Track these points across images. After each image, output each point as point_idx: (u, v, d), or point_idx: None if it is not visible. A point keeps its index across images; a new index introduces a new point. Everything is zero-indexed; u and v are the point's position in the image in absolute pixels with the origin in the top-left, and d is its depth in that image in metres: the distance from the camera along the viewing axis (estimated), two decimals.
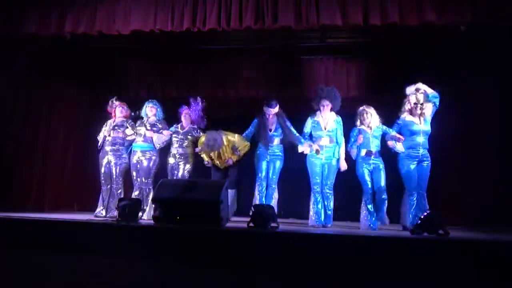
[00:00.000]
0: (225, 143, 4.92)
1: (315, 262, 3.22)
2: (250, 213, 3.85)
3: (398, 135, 4.46)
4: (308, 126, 4.88)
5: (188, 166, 5.17)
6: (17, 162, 5.97)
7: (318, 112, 4.86)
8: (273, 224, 3.76)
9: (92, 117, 7.55)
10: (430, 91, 4.49)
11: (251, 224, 3.75)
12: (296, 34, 5.71)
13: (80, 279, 3.59)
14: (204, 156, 5.10)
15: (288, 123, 5.00)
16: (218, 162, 5.07)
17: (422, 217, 3.63)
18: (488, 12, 4.41)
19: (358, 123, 4.68)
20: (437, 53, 6.05)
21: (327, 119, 4.77)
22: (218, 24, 4.88)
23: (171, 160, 5.22)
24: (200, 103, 5.27)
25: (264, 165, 4.95)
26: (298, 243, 3.40)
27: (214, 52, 6.72)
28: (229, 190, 4.85)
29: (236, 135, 5.09)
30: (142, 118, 5.21)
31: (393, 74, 6.09)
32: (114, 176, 5.16)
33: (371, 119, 4.61)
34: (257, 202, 4.82)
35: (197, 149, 5.13)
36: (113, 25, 5.11)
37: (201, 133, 5.20)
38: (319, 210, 4.75)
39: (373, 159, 4.56)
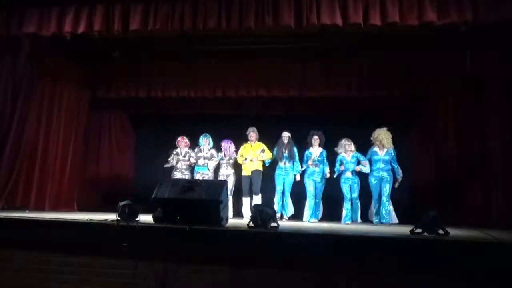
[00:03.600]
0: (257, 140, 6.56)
1: (315, 261, 3.23)
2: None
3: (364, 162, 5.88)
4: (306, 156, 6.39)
5: (232, 180, 6.68)
6: (17, 162, 5.96)
7: (311, 147, 6.34)
8: (273, 224, 3.76)
9: (92, 117, 7.58)
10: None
11: (251, 224, 3.75)
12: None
13: (80, 279, 3.59)
14: (238, 159, 6.57)
15: (295, 149, 6.36)
16: (248, 161, 6.46)
17: (422, 217, 3.62)
18: (489, 11, 4.40)
19: (340, 151, 6.09)
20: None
21: (316, 151, 6.27)
22: (218, 25, 4.88)
23: (220, 177, 6.75)
24: (233, 144, 6.75)
25: (280, 180, 6.35)
26: (298, 242, 3.40)
27: (216, 53, 6.72)
28: (254, 196, 6.26)
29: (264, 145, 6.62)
30: (199, 145, 6.87)
31: None
32: None
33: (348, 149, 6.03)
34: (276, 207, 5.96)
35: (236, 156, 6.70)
36: (113, 26, 5.12)
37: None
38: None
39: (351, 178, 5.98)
